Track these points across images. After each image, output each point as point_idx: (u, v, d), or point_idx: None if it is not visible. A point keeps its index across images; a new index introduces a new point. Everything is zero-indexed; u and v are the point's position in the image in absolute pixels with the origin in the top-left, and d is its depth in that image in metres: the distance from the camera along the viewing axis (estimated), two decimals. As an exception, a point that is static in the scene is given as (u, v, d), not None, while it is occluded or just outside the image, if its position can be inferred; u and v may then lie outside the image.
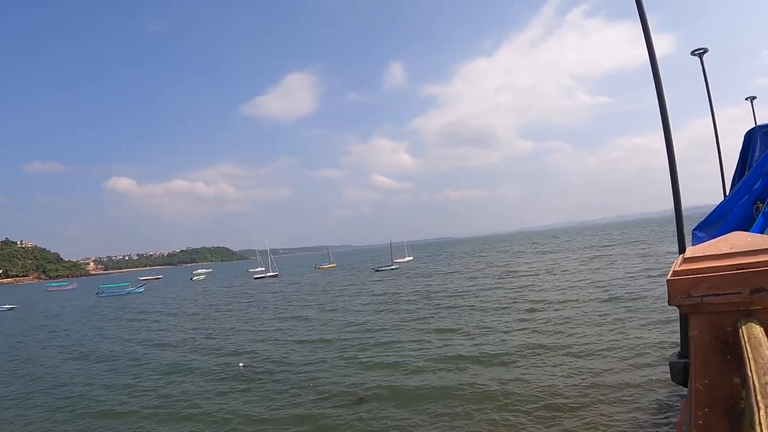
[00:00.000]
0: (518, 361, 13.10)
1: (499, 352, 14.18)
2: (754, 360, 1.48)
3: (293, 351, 17.22)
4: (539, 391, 10.50)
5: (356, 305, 28.52)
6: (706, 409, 1.90)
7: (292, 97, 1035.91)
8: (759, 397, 1.28)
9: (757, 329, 1.72)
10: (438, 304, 24.92)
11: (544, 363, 12.56)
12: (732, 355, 1.86)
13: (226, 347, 19.39)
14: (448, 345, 15.63)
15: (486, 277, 37.16)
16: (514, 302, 22.45)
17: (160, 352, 19.79)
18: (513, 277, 35.05)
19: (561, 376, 11.37)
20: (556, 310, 19.71)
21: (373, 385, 12.12)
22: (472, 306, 23.08)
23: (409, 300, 28.23)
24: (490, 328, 17.71)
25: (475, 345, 15.23)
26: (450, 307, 23.64)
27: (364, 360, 14.85)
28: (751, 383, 1.37)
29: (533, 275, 34.35)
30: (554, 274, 33.50)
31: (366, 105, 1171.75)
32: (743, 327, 1.78)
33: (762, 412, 1.22)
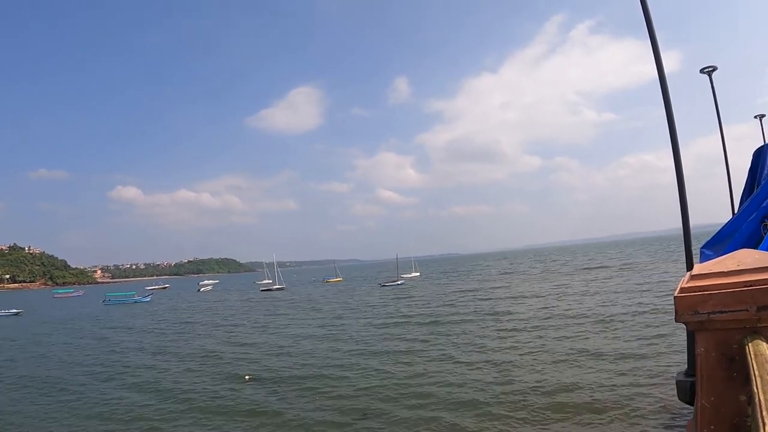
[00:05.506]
0: (519, 382, 13.02)
1: (499, 372, 14.11)
2: (761, 377, 1.48)
3: (298, 364, 17.13)
4: (541, 412, 10.41)
5: (362, 322, 28.24)
6: (712, 427, 1.88)
7: (297, 110, 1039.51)
8: (765, 414, 1.28)
9: (764, 346, 1.71)
10: (443, 322, 24.71)
11: (544, 386, 12.37)
12: (738, 372, 1.85)
13: (231, 358, 19.36)
14: (452, 363, 15.50)
15: (490, 298, 36.46)
16: (522, 329, 22.09)
17: (164, 362, 19.82)
18: (519, 298, 34.54)
19: (562, 399, 11.24)
20: (559, 338, 19.52)
21: (378, 402, 12.03)
22: (476, 326, 22.78)
23: (416, 318, 27.81)
24: (488, 347, 17.61)
25: (474, 366, 15.01)
26: (455, 324, 23.58)
27: (369, 376, 14.74)
28: (757, 400, 1.37)
29: (538, 297, 33.66)
30: (559, 298, 32.98)
31: (371, 119, 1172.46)
32: (750, 344, 1.77)
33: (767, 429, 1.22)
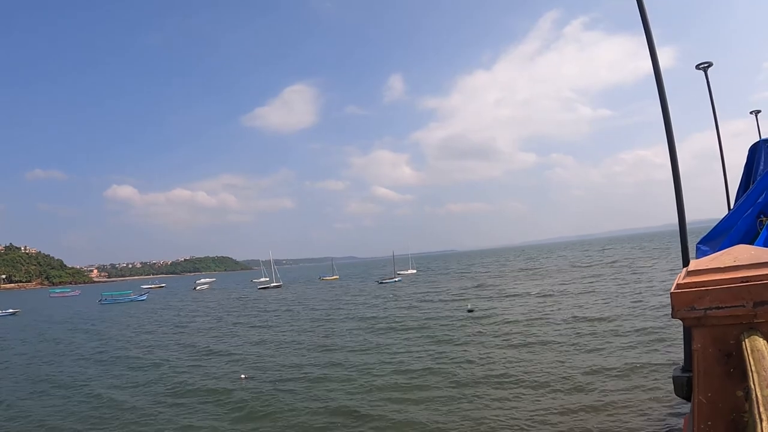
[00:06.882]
0: (511, 384, 13.03)
1: (489, 374, 14.10)
2: (757, 373, 1.48)
3: (294, 365, 17.09)
4: (535, 412, 10.41)
5: (353, 324, 27.39)
6: (710, 423, 1.89)
7: (292, 108, 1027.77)
8: (762, 410, 1.28)
9: (761, 342, 1.71)
10: (432, 326, 23.74)
11: (543, 386, 12.27)
12: (735, 368, 1.86)
13: (228, 357, 19.37)
14: (440, 376, 14.40)
15: (481, 298, 35.73)
16: (510, 333, 21.78)
17: (160, 360, 19.79)
18: (508, 298, 33.91)
19: (560, 395, 11.25)
20: (553, 344, 19.40)
21: (372, 403, 11.99)
22: (465, 331, 21.99)
23: (405, 321, 26.71)
24: (474, 354, 17.50)
25: (462, 377, 14.30)
26: (445, 327, 23.66)
27: (365, 377, 14.68)
28: (754, 396, 1.37)
29: (529, 296, 33.14)
30: (554, 297, 32.78)
31: (366, 117, 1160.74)
32: (746, 340, 1.78)
33: (765, 425, 1.21)
